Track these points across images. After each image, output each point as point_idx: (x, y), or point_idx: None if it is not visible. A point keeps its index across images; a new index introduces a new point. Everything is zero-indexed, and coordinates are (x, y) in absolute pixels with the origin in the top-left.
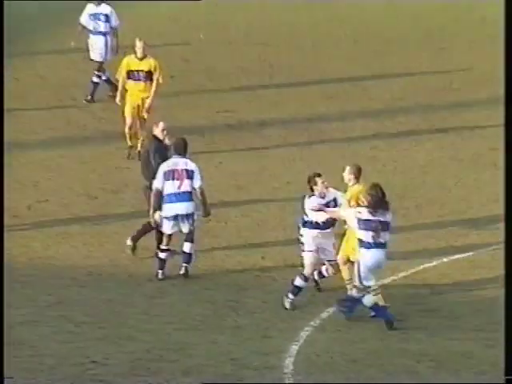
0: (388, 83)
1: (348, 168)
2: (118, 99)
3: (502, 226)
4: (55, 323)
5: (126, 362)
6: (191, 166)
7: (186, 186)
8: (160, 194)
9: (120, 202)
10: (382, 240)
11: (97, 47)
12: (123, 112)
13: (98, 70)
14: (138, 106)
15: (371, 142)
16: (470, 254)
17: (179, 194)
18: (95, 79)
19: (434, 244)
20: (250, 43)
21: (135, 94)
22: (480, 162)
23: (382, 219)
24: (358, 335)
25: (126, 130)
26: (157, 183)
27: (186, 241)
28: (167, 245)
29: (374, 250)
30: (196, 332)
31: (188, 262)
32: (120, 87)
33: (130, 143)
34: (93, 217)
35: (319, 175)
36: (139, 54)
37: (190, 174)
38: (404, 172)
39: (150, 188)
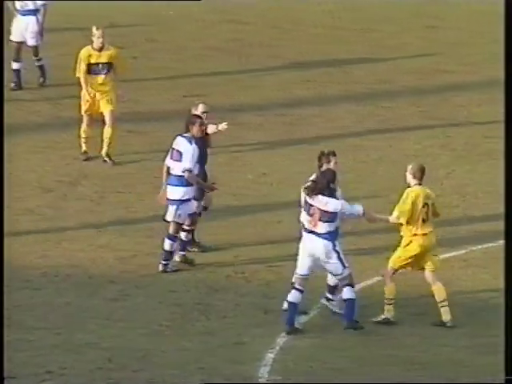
0: (372, 65)
1: (409, 167)
2: (88, 98)
3: (497, 221)
4: (6, 330)
5: (85, 371)
6: (182, 146)
7: (175, 168)
8: (167, 172)
9: (78, 196)
10: (315, 229)
11: (28, 29)
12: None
13: (36, 55)
14: (99, 101)
15: (354, 129)
16: (463, 252)
17: (171, 175)
18: (39, 63)
19: None
20: (223, 21)
21: (94, 88)
22: (474, 152)
23: (320, 207)
24: (340, 341)
25: (82, 131)
26: (166, 160)
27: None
28: (174, 233)
29: (306, 235)
30: (162, 338)
31: (166, 259)
32: (85, 84)
33: (84, 148)
34: (48, 212)
35: (334, 154)
36: (98, 44)
37: (180, 156)
38: (390, 162)
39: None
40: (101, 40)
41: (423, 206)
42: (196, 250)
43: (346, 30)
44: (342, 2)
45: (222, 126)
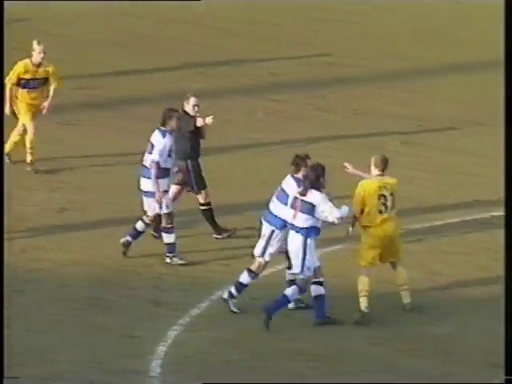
0: (263, 58)
1: (372, 158)
2: (8, 110)
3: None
4: None
5: None
6: (155, 139)
7: (148, 160)
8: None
9: None
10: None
11: None
12: (22, 122)
13: None
14: (33, 114)
15: (244, 123)
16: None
17: (145, 167)
18: None
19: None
20: (120, 14)
21: (29, 102)
22: (366, 145)
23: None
24: (233, 334)
25: (30, 140)
26: None
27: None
28: (167, 224)
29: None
30: (54, 334)
31: (171, 251)
32: (9, 95)
33: (31, 158)
34: None
35: (309, 157)
36: (37, 60)
37: (152, 148)
38: (277, 154)
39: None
40: (41, 55)
41: (379, 198)
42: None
43: (236, 23)
44: None
45: (209, 119)
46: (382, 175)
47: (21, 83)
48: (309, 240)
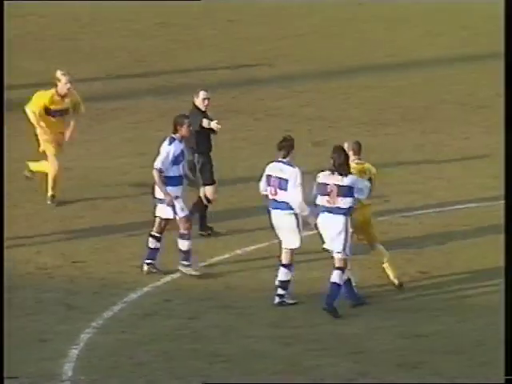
0: (171, 59)
1: (345, 145)
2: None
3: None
4: None
5: None
6: (162, 146)
7: None
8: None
9: None
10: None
11: None
12: (44, 152)
13: None
14: (58, 145)
15: (156, 123)
16: (266, 243)
17: None
18: None
19: (225, 239)
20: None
21: (54, 131)
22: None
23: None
24: (146, 336)
25: (53, 175)
26: None
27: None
28: (185, 230)
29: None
30: None
31: (185, 259)
32: (37, 121)
33: (52, 192)
34: None
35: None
36: (64, 91)
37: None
38: None
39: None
40: (67, 86)
41: None
42: None
43: (143, 23)
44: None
45: (214, 124)
46: (360, 159)
47: (46, 112)
48: (348, 220)
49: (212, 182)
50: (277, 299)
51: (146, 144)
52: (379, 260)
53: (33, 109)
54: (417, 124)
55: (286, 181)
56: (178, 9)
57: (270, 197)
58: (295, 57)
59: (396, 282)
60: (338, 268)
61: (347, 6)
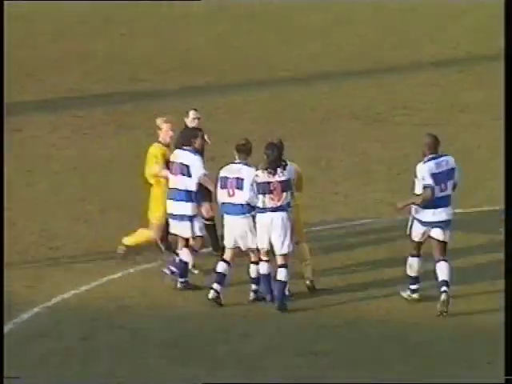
0: (64, 72)
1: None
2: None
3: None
4: None
5: None
6: (184, 158)
7: (186, 182)
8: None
9: None
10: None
11: None
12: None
13: None
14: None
15: (48, 139)
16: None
17: (177, 190)
18: None
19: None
20: None
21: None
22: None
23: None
24: (35, 359)
25: (159, 237)
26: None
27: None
28: (199, 247)
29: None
30: None
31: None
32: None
33: (163, 247)
34: None
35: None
36: (166, 140)
37: (185, 170)
38: (85, 172)
39: None
40: (170, 134)
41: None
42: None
43: (38, 34)
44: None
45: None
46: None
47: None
48: (289, 216)
49: (206, 200)
50: (252, 295)
51: None
52: (302, 258)
53: (155, 168)
54: (312, 138)
55: (243, 180)
56: None
57: (227, 200)
58: (187, 69)
59: (308, 282)
60: (283, 265)
61: (246, 17)
